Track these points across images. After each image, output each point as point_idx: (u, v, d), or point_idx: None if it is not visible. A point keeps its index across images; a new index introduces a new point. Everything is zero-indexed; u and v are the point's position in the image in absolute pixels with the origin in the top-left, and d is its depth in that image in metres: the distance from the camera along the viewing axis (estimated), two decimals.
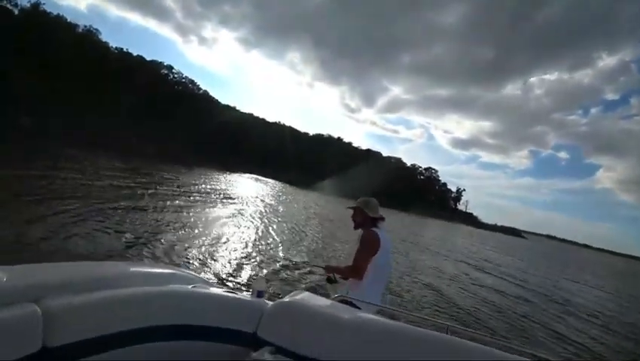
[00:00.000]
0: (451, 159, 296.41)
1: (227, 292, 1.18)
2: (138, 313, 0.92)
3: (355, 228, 2.42)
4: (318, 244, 9.89)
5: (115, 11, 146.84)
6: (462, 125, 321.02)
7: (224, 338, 1.01)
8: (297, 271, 6.21)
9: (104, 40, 54.57)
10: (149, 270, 1.24)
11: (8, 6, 37.60)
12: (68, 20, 48.02)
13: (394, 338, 0.98)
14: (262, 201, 18.14)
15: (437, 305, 6.37)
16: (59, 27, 43.44)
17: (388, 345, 0.95)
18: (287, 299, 1.08)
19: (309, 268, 6.40)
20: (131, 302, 0.92)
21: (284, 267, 6.37)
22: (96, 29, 53.88)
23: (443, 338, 1.04)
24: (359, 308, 1.62)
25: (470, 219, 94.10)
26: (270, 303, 1.10)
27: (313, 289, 4.84)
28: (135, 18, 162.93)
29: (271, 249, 7.64)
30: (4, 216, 5.52)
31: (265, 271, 5.86)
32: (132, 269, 1.20)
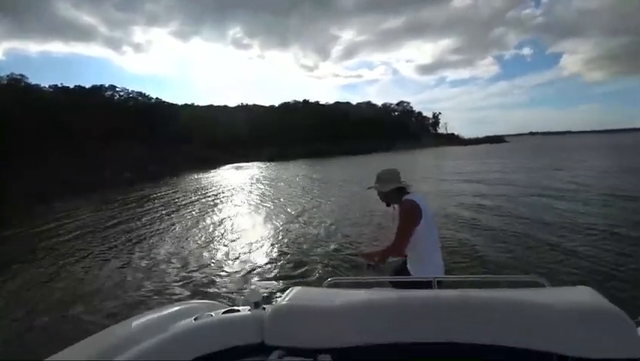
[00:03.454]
0: (421, 86, 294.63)
1: (229, 311, 1.22)
2: None
3: (388, 206, 2.34)
4: (332, 215, 9.21)
5: (34, 47, 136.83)
6: (423, 50, 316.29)
7: (235, 357, 1.06)
8: (321, 264, 5.45)
9: (33, 83, 50.88)
10: (149, 317, 1.27)
11: None
12: None
13: (381, 310, 1.06)
14: (243, 188, 17.76)
15: None
16: None
17: (378, 319, 1.04)
18: (283, 302, 1.14)
19: (340, 257, 5.71)
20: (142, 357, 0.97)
21: (307, 261, 5.64)
22: (21, 75, 49.56)
23: (429, 294, 1.13)
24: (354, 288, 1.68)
25: (453, 140, 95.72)
26: (268, 309, 1.15)
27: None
28: (57, 48, 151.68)
29: (274, 240, 7.20)
30: None
31: (278, 269, 5.40)
32: (135, 323, 1.22)
